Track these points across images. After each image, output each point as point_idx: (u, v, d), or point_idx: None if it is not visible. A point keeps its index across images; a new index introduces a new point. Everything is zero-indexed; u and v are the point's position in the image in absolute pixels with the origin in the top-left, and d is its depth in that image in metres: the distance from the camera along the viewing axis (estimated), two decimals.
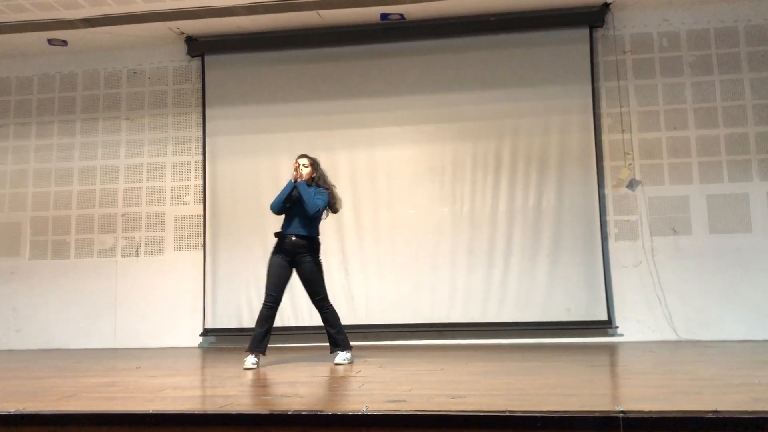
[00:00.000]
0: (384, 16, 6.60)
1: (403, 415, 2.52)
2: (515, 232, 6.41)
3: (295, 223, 4.59)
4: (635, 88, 6.53)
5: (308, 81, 6.92)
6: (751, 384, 3.20)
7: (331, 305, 4.70)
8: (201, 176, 7.00)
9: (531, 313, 6.28)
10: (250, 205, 6.79)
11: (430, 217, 6.57)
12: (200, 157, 7.04)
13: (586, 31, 6.56)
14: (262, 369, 4.41)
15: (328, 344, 4.73)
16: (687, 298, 6.17)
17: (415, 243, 6.54)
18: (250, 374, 4.15)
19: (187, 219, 7.02)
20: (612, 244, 6.36)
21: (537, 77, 6.57)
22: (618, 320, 6.24)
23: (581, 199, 6.37)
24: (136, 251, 7.06)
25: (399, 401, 2.81)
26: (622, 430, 2.35)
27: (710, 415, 2.37)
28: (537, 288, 6.31)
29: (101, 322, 6.96)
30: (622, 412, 2.41)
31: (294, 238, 4.57)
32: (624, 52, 6.58)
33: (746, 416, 2.36)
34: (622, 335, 6.19)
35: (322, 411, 2.60)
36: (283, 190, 4.62)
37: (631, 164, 6.41)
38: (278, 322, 4.73)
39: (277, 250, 4.64)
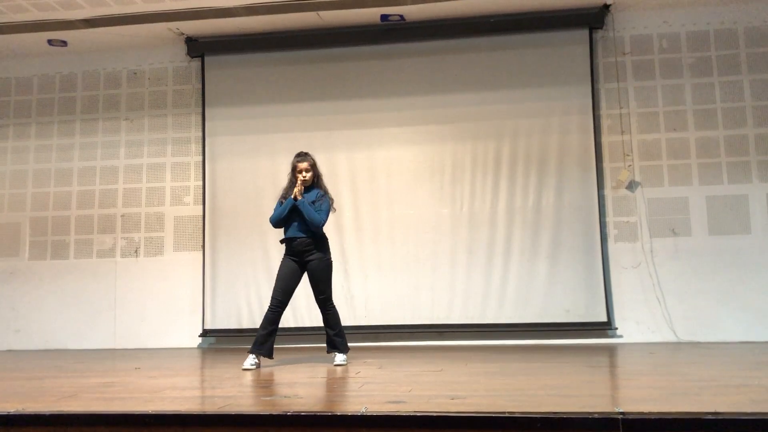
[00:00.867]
0: (384, 17, 6.61)
1: (403, 416, 2.52)
2: (515, 233, 6.42)
3: (298, 226, 4.59)
4: (635, 90, 6.53)
5: (308, 82, 6.92)
6: (750, 385, 3.20)
7: (333, 306, 4.69)
8: (201, 177, 7.01)
9: (530, 314, 6.28)
10: (249, 206, 6.80)
11: (430, 217, 6.57)
12: (200, 158, 7.04)
13: (585, 33, 6.57)
14: (261, 370, 4.42)
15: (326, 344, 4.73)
16: (686, 300, 6.17)
17: (415, 243, 6.54)
18: (249, 375, 4.15)
19: (186, 219, 7.02)
20: (611, 245, 6.36)
21: (537, 78, 6.58)
22: (617, 321, 6.25)
23: (581, 200, 6.38)
24: (136, 252, 7.05)
25: (398, 402, 2.81)
26: (621, 431, 2.35)
27: (709, 417, 2.37)
28: (536, 289, 6.31)
29: (100, 322, 6.96)
30: (622, 413, 2.41)
31: (300, 239, 4.57)
32: (624, 54, 6.59)
33: (745, 417, 2.36)
34: (621, 336, 6.19)
35: (322, 412, 2.60)
36: (284, 206, 4.60)
37: (630, 165, 6.41)
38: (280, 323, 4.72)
39: (287, 253, 4.65)
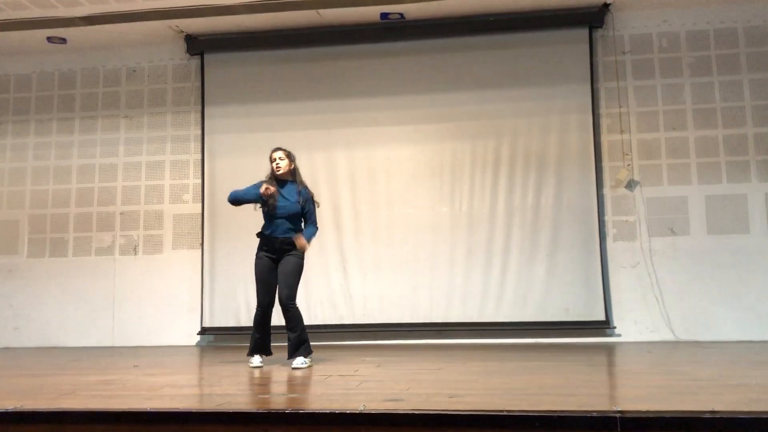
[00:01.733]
0: (384, 15, 6.60)
1: (401, 414, 2.53)
2: (514, 232, 6.41)
3: (282, 226, 4.54)
4: (634, 89, 6.53)
5: (307, 80, 6.91)
6: (748, 384, 3.21)
7: (296, 306, 4.48)
8: (200, 175, 7.00)
9: (529, 313, 6.28)
10: (248, 204, 6.77)
11: (429, 216, 6.57)
12: (199, 156, 7.03)
13: (585, 32, 6.56)
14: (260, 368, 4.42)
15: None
16: (685, 299, 6.17)
17: (414, 242, 6.54)
18: (247, 373, 4.16)
19: (185, 217, 7.02)
20: (610, 245, 6.36)
21: (536, 77, 6.57)
22: (616, 320, 6.25)
23: (580, 199, 6.37)
24: (135, 249, 7.05)
25: (397, 400, 2.82)
26: (619, 430, 2.35)
27: (707, 416, 2.37)
28: (535, 288, 6.31)
29: (99, 320, 6.95)
30: (620, 412, 2.41)
31: (283, 239, 4.53)
32: (623, 53, 6.59)
33: (743, 416, 2.37)
34: (619, 335, 6.19)
35: (320, 410, 2.61)
36: (249, 192, 4.59)
37: (629, 165, 6.41)
38: (274, 321, 4.71)
39: (263, 249, 4.58)
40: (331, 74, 6.89)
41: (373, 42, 6.81)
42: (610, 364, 4.65)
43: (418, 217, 6.58)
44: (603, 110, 6.54)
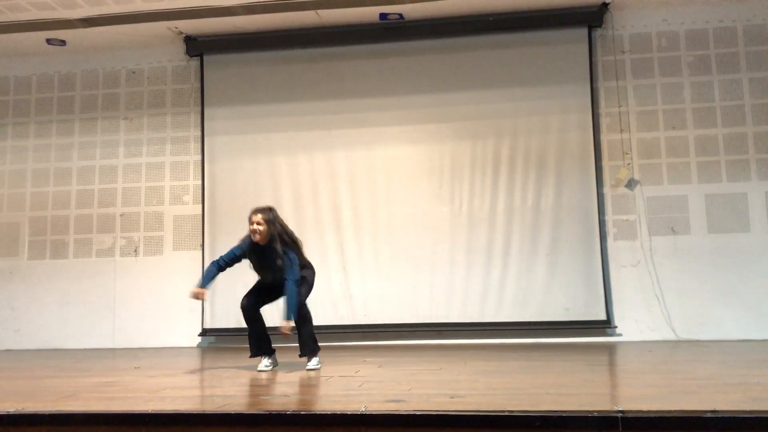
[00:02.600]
0: (383, 15, 6.60)
1: (402, 414, 2.53)
2: (514, 232, 6.41)
3: (269, 277, 4.43)
4: (634, 88, 6.53)
5: (307, 81, 6.91)
6: (749, 383, 3.21)
7: (306, 307, 4.41)
8: (200, 176, 7.00)
9: (529, 313, 6.28)
10: (248, 205, 6.67)
11: (429, 216, 6.57)
12: (199, 157, 7.03)
13: (584, 31, 6.56)
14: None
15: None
16: (685, 298, 6.17)
17: (414, 242, 6.54)
18: (248, 374, 4.15)
19: (185, 219, 7.02)
20: (611, 244, 6.36)
21: (536, 77, 6.57)
22: (616, 320, 6.25)
23: (580, 198, 6.37)
24: (135, 251, 7.05)
25: (398, 401, 2.81)
26: (620, 429, 2.35)
27: (708, 415, 2.37)
28: (535, 287, 6.31)
29: (100, 322, 6.95)
30: (621, 411, 2.41)
31: (272, 281, 4.40)
32: (623, 52, 6.59)
33: (744, 416, 2.36)
34: (620, 335, 6.19)
35: (321, 411, 2.61)
36: (210, 272, 4.52)
37: (629, 164, 6.41)
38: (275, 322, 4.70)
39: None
40: (330, 75, 6.89)
41: (372, 42, 6.81)
42: (611, 364, 4.65)
43: (418, 217, 6.58)
44: (603, 109, 6.54)
